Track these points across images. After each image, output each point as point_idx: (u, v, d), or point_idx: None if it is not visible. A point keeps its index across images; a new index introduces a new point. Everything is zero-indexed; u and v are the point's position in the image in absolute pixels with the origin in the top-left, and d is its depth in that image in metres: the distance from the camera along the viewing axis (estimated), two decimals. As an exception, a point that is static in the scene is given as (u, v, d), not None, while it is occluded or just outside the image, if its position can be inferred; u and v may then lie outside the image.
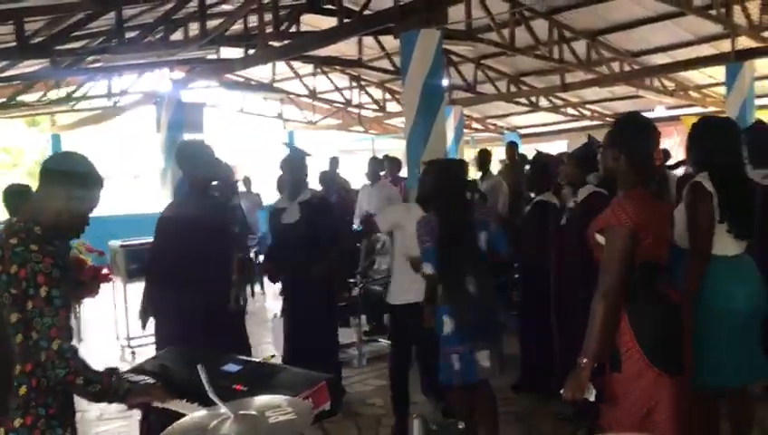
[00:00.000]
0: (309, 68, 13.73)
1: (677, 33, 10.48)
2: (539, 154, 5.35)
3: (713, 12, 8.45)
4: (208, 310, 3.91)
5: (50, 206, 2.21)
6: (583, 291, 3.85)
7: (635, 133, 2.70)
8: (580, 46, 11.00)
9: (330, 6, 8.76)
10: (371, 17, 6.79)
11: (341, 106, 16.07)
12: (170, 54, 9.20)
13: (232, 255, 4.26)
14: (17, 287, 2.07)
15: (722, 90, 13.36)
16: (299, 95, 15.12)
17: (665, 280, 2.67)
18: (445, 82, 8.59)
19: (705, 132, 3.35)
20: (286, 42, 7.98)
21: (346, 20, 7.68)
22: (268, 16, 8.11)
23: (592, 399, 2.53)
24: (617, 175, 2.72)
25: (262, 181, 12.82)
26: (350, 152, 18.38)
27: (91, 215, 2.31)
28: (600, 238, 2.68)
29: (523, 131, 18.20)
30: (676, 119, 15.13)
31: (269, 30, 8.27)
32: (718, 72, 12.12)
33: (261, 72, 13.97)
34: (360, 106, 15.44)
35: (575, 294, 3.96)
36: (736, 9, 8.78)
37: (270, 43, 8.61)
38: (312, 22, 9.68)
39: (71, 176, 2.21)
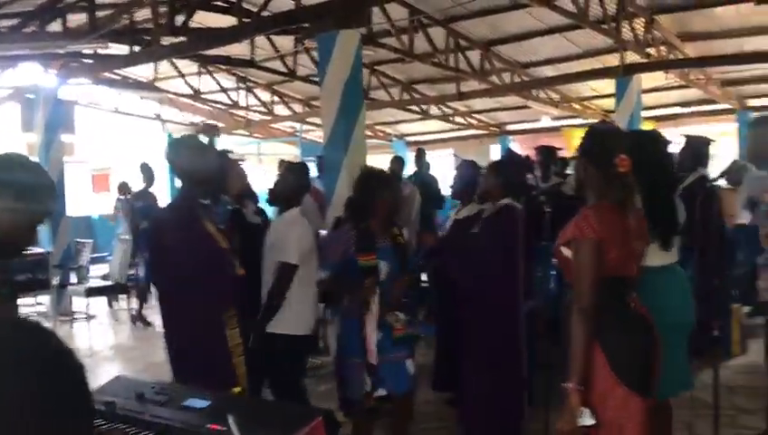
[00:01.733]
0: (193, 67, 13.06)
1: (566, 47, 10.83)
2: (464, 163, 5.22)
3: (605, 26, 8.77)
4: (182, 340, 3.34)
5: None
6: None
7: (601, 143, 2.63)
8: (475, 56, 11.14)
9: (220, 3, 8.33)
10: (281, 16, 6.43)
11: (225, 108, 15.46)
12: (44, 48, 8.35)
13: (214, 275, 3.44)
14: None
15: (602, 102, 14.10)
16: (180, 95, 14.34)
17: (635, 295, 2.59)
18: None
19: (635, 146, 3.33)
20: (181, 39, 7.43)
21: (246, 19, 7.30)
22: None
23: (590, 423, 2.40)
24: (586, 185, 2.63)
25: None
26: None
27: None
28: (567, 251, 2.57)
29: (410, 139, 18.32)
30: (557, 130, 15.79)
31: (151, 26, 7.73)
32: (600, 85, 12.74)
33: (139, 70, 13.12)
34: (246, 108, 14.88)
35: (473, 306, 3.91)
36: (624, 25, 9.17)
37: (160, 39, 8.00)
38: (201, 19, 9.17)
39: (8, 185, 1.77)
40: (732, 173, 8.46)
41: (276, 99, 14.76)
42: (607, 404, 2.46)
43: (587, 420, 2.39)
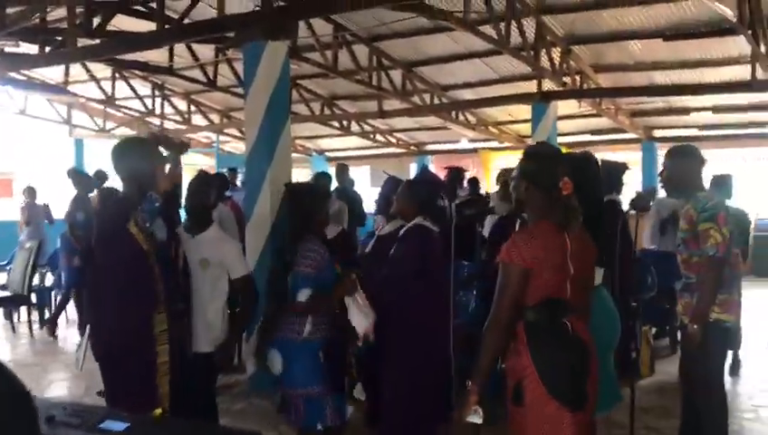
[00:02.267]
0: (107, 71, 12.59)
1: (485, 72, 11.10)
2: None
3: (524, 54, 9.04)
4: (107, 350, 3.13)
5: None
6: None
7: (542, 164, 2.67)
8: (397, 75, 11.25)
9: (140, 8, 8.05)
10: (204, 24, 6.26)
11: (139, 115, 14.97)
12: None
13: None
14: None
15: (517, 127, 14.51)
16: (92, 100, 13.78)
17: (573, 315, 2.63)
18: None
19: (575, 168, 3.41)
20: (97, 41, 7.11)
21: (166, 25, 7.07)
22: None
23: (479, 421, 2.56)
24: (526, 206, 2.67)
25: (47, 192, 11.48)
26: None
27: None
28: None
29: (331, 154, 18.29)
30: (474, 151, 16.14)
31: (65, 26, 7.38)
32: (516, 111, 13.12)
33: (48, 72, 12.53)
34: (162, 117, 14.46)
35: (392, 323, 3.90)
36: (542, 54, 9.48)
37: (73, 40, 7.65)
38: (119, 23, 8.83)
39: None
40: (637, 200, 8.88)
41: (194, 108, 14.41)
42: (541, 420, 2.53)
43: (475, 418, 2.56)
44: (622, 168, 4.62)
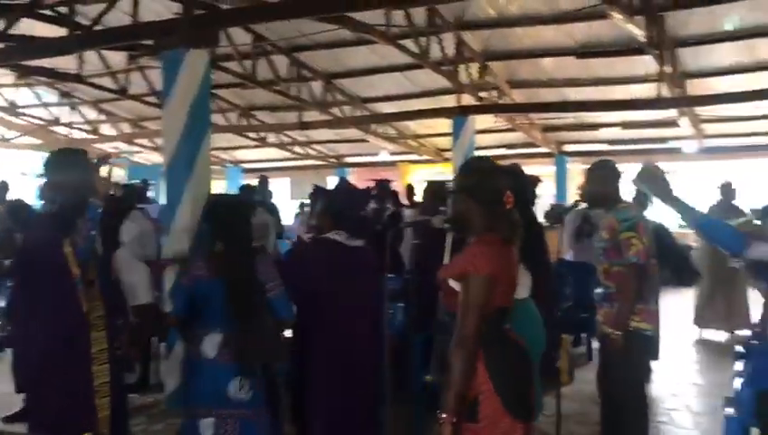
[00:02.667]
0: (8, 78, 11.95)
1: (405, 85, 11.20)
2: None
3: (444, 68, 9.17)
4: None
5: None
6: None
7: (483, 177, 2.65)
8: (317, 87, 11.20)
9: (49, 13, 7.69)
10: (120, 31, 6.02)
11: (44, 124, 14.29)
12: None
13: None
14: None
15: (436, 140, 14.71)
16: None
17: (509, 326, 2.63)
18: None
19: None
20: (4, 45, 6.74)
21: (77, 31, 6.80)
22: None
23: None
24: (467, 220, 2.65)
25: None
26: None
27: None
28: (455, 285, 2.57)
29: (247, 166, 17.99)
30: (394, 164, 16.26)
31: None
32: (434, 124, 13.30)
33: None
34: (69, 126, 13.85)
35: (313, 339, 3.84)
36: (461, 69, 9.66)
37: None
38: (25, 28, 8.40)
39: None
40: (551, 212, 9.16)
41: (103, 117, 13.88)
42: (495, 433, 2.47)
43: None
44: (535, 181, 4.72)
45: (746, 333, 7.76)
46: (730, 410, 3.46)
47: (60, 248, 2.88)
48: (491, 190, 2.62)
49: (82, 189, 3.10)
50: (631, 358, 3.74)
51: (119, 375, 3.42)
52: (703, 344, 7.88)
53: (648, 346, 3.80)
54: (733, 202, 7.93)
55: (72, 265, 2.90)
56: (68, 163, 3.14)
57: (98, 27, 6.78)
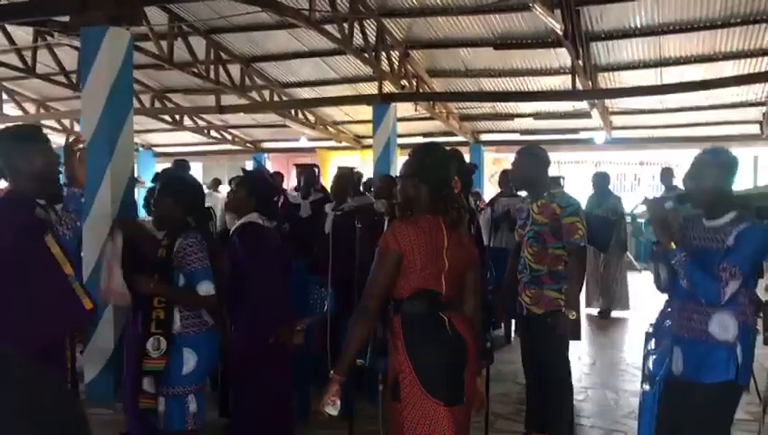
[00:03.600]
0: None
1: (324, 71, 11.16)
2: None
3: (366, 55, 9.20)
4: None
5: None
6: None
7: (434, 163, 2.68)
8: (235, 70, 10.99)
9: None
10: (34, 5, 5.70)
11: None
12: None
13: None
14: None
15: (354, 127, 14.74)
16: None
17: (449, 310, 2.68)
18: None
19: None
20: None
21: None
22: None
23: (334, 413, 2.52)
24: (415, 203, 2.68)
25: None
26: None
27: None
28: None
29: (160, 150, 17.47)
30: (312, 150, 16.18)
31: None
32: (352, 111, 13.34)
33: None
34: (-33, 105, 13.04)
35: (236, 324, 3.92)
36: (383, 56, 9.71)
37: None
38: None
39: None
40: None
41: (5, 97, 13.13)
42: (418, 415, 2.53)
43: (330, 409, 2.51)
44: (471, 168, 4.84)
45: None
46: (646, 387, 3.67)
47: (44, 242, 2.73)
48: (442, 174, 2.67)
49: (41, 176, 2.82)
50: (562, 337, 3.91)
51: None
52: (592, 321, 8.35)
53: (574, 326, 3.96)
54: (672, 185, 8.38)
55: (57, 256, 2.76)
56: (21, 143, 2.84)
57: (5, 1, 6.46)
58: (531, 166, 3.97)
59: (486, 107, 12.93)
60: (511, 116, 13.22)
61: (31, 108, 13.69)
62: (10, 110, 13.61)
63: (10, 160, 2.83)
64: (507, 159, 13.72)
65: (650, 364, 3.68)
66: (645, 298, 8.11)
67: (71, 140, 3.08)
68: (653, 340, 3.82)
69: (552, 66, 10.10)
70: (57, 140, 15.44)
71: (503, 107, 12.85)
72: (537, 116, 12.76)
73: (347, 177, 6.09)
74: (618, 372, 6.22)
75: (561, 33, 7.18)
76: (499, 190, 7.68)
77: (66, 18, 6.59)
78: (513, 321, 6.46)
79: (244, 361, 3.78)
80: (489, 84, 11.08)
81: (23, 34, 9.91)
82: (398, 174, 2.84)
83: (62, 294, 2.86)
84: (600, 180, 8.55)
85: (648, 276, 8.14)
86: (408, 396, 2.54)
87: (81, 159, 3.04)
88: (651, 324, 3.93)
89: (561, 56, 9.32)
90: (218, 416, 4.72)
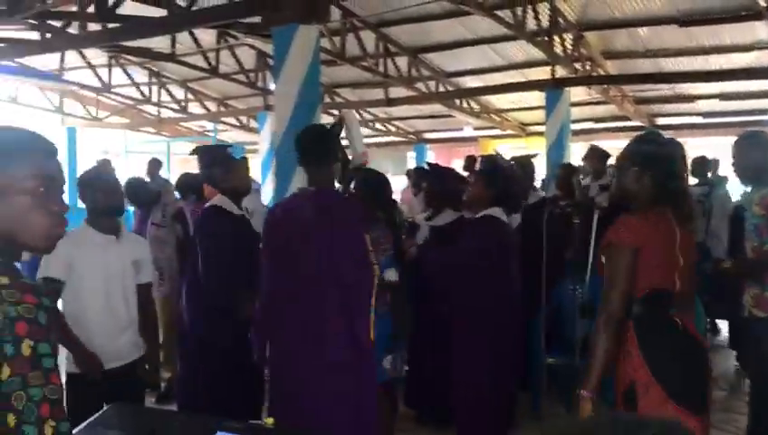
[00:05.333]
0: (102, 58, 12.24)
1: (491, 58, 10.94)
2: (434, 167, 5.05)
3: (539, 39, 8.90)
4: None
5: None
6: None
7: (660, 152, 2.49)
8: (402, 62, 11.07)
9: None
10: (229, 9, 6.03)
11: (132, 103, 14.66)
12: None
13: None
14: None
15: (519, 114, 14.41)
16: (88, 87, 13.39)
17: (681, 311, 2.47)
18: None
19: None
20: (116, 25, 6.87)
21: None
22: None
23: None
24: (638, 196, 2.50)
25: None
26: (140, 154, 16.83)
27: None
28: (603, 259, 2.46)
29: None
30: (475, 140, 16.02)
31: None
32: (517, 98, 13.01)
33: (41, 59, 12.14)
34: (159, 105, 14.14)
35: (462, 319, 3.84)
36: (556, 40, 9.35)
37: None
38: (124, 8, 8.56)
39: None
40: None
41: (190, 96, 14.12)
42: None
43: None
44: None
45: None
46: None
47: None
48: (667, 163, 2.46)
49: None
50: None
51: None
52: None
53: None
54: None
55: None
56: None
57: (194, 8, 6.87)
58: (755, 153, 3.57)
59: (665, 89, 12.10)
60: (692, 97, 12.29)
61: (212, 106, 14.61)
62: (194, 108, 14.63)
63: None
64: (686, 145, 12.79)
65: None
66: None
67: None
68: None
69: (746, 42, 9.24)
70: (235, 135, 16.47)
71: (684, 88, 11.97)
72: (723, 97, 11.78)
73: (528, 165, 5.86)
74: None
75: (764, 3, 6.52)
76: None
77: (250, 19, 6.96)
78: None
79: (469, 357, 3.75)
80: (670, 64, 10.36)
81: (207, 37, 10.55)
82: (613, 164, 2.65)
83: None
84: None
85: None
86: (648, 404, 2.35)
87: None
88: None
89: (757, 30, 8.51)
90: (404, 405, 4.77)
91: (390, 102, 12.12)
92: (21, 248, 1.42)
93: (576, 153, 10.43)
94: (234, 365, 3.63)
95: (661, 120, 14.16)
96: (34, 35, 8.30)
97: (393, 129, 16.38)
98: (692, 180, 6.25)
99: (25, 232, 1.40)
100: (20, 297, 1.29)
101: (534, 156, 6.77)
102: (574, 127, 11.44)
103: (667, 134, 10.64)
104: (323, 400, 2.81)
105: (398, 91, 11.94)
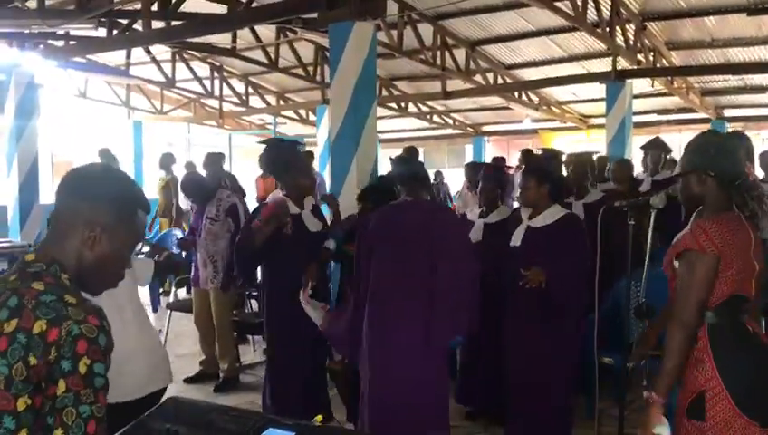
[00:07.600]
0: (167, 54, 12.57)
1: (552, 50, 10.78)
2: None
3: (599, 30, 8.72)
4: None
5: (71, 244, 1.49)
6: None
7: (721, 153, 2.39)
8: (460, 54, 11.00)
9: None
10: (289, 5, 6.10)
11: (194, 97, 15.01)
12: (24, 26, 7.86)
13: None
14: (42, 356, 1.33)
15: (578, 106, 14.15)
16: (153, 82, 13.78)
17: (750, 317, 2.40)
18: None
19: None
20: (180, 22, 7.06)
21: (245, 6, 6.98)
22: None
23: (666, 434, 2.30)
24: (705, 200, 2.42)
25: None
26: (202, 147, 17.24)
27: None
28: (677, 264, 2.39)
29: (383, 136, 18.10)
30: (534, 132, 15.81)
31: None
32: (576, 90, 12.77)
33: (108, 55, 12.55)
34: (220, 98, 14.44)
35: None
36: (617, 31, 9.14)
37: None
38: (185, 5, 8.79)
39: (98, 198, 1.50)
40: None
41: (251, 90, 14.37)
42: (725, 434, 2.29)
43: (665, 431, 2.30)
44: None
45: None
46: None
47: None
48: (732, 164, 2.38)
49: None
50: None
51: None
52: None
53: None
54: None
55: None
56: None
57: (255, 4, 6.98)
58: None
59: (733, 80, 11.70)
60: (763, 88, 11.84)
61: (272, 100, 14.84)
62: (254, 102, 14.88)
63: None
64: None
65: None
66: None
67: None
68: None
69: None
70: (294, 128, 16.70)
71: (754, 79, 11.54)
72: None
73: (588, 162, 5.74)
74: None
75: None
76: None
77: (309, 15, 7.05)
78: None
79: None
80: (738, 55, 10.01)
81: (267, 32, 10.71)
82: (677, 170, 2.54)
83: None
84: None
85: None
86: (717, 415, 2.29)
87: None
88: None
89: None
90: (455, 402, 4.77)
91: (448, 95, 12.06)
92: (79, 282, 1.51)
93: (638, 146, 10.21)
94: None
95: (729, 112, 13.71)
96: (102, 33, 8.58)
97: (451, 121, 16.31)
98: (759, 174, 6.04)
99: (100, 275, 1.53)
100: (84, 317, 1.38)
101: (594, 153, 6.64)
102: (636, 119, 11.18)
103: (735, 126, 10.48)
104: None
105: (455, 84, 11.88)
